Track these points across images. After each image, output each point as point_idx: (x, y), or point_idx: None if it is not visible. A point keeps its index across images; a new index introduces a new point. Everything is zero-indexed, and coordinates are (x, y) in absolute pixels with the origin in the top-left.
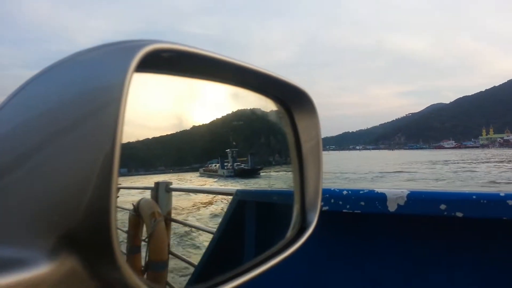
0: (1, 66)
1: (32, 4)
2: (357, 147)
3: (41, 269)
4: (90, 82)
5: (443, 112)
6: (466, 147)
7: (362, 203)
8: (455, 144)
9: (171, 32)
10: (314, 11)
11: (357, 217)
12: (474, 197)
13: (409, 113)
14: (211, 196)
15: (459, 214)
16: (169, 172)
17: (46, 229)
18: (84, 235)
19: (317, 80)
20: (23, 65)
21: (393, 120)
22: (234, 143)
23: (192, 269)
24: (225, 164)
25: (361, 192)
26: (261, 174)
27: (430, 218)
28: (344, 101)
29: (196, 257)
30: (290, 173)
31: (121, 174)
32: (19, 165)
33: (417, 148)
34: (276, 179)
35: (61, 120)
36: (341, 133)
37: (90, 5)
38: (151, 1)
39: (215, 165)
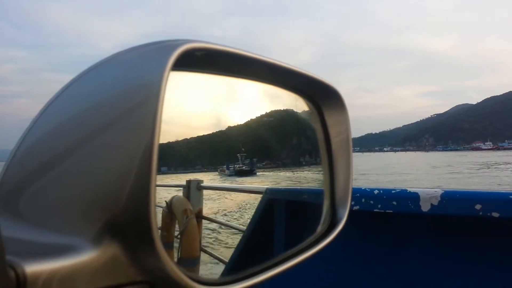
0: (29, 69)
1: (56, 10)
2: (385, 149)
3: (86, 255)
4: (129, 80)
5: (471, 113)
6: (504, 148)
7: (394, 202)
8: (492, 145)
9: (191, 35)
10: (336, 12)
11: (388, 217)
12: (511, 196)
13: (434, 114)
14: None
15: (495, 215)
16: (204, 171)
17: (90, 219)
18: (126, 224)
19: (338, 80)
20: (49, 69)
21: (418, 121)
22: (243, 149)
23: (223, 266)
24: (230, 166)
25: (393, 191)
26: (258, 174)
27: (465, 219)
28: (366, 102)
29: (227, 254)
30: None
31: (162, 172)
32: (67, 159)
33: (451, 150)
34: (268, 177)
35: (104, 117)
36: (364, 134)
37: (112, 10)
38: (171, 5)
39: (225, 166)
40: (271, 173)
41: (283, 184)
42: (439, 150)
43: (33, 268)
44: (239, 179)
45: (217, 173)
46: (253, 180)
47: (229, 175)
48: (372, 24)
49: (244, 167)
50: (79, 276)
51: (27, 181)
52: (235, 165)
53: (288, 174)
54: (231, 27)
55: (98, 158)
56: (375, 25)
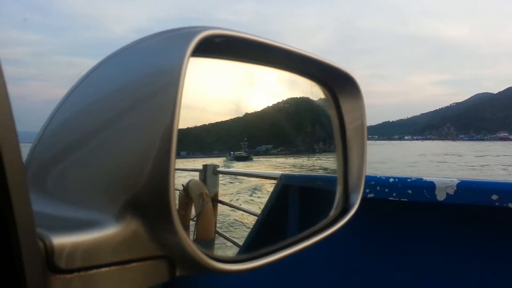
0: (39, 52)
1: None
2: (406, 137)
3: (109, 230)
4: (151, 66)
5: (493, 102)
6: None
7: (409, 191)
8: None
9: (205, 19)
10: None
11: (403, 206)
12: None
13: (453, 103)
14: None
15: None
16: (221, 156)
17: (113, 197)
18: (146, 203)
19: (352, 67)
20: (62, 52)
21: (436, 110)
22: (245, 139)
23: (237, 249)
24: (231, 152)
25: (408, 180)
26: (254, 159)
27: (481, 209)
28: (381, 89)
29: (241, 238)
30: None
31: (181, 156)
32: (91, 140)
33: (476, 140)
34: (262, 162)
35: (126, 101)
36: (381, 122)
37: None
38: None
39: (227, 153)
40: (264, 159)
41: (270, 169)
42: (465, 140)
43: (60, 240)
44: (237, 164)
45: (225, 158)
46: (249, 164)
47: (230, 160)
48: (387, 10)
49: (243, 153)
50: (102, 249)
51: (54, 161)
52: (235, 152)
53: (282, 159)
54: (245, 11)
55: (120, 140)
56: (390, 11)
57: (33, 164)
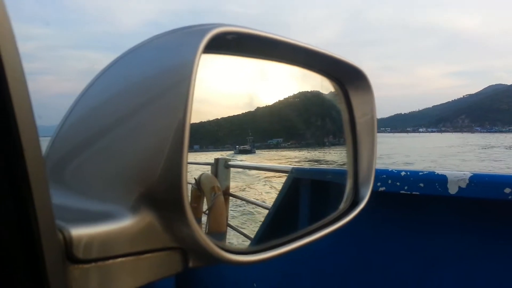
0: (50, 46)
1: None
2: (420, 130)
3: (125, 222)
4: (164, 62)
5: (508, 93)
6: None
7: (421, 184)
8: None
9: (213, 12)
10: None
11: (415, 199)
12: None
13: (466, 95)
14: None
15: None
16: (231, 150)
17: (129, 190)
18: (160, 195)
19: (362, 59)
20: (70, 46)
21: (449, 102)
22: (250, 133)
23: (248, 242)
24: (237, 146)
25: (420, 173)
26: (256, 152)
27: (493, 202)
28: (392, 81)
29: (253, 231)
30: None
31: (194, 150)
32: (107, 135)
33: (495, 132)
34: (264, 155)
35: (141, 96)
36: (392, 114)
37: None
38: None
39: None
40: (266, 152)
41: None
42: (483, 132)
43: (78, 231)
44: (240, 156)
45: (233, 152)
46: (251, 156)
47: (235, 153)
48: (397, 0)
49: (246, 147)
50: (118, 240)
51: (71, 155)
52: (240, 146)
53: (284, 153)
54: (252, 4)
55: (135, 135)
56: (400, 1)
57: (52, 158)
